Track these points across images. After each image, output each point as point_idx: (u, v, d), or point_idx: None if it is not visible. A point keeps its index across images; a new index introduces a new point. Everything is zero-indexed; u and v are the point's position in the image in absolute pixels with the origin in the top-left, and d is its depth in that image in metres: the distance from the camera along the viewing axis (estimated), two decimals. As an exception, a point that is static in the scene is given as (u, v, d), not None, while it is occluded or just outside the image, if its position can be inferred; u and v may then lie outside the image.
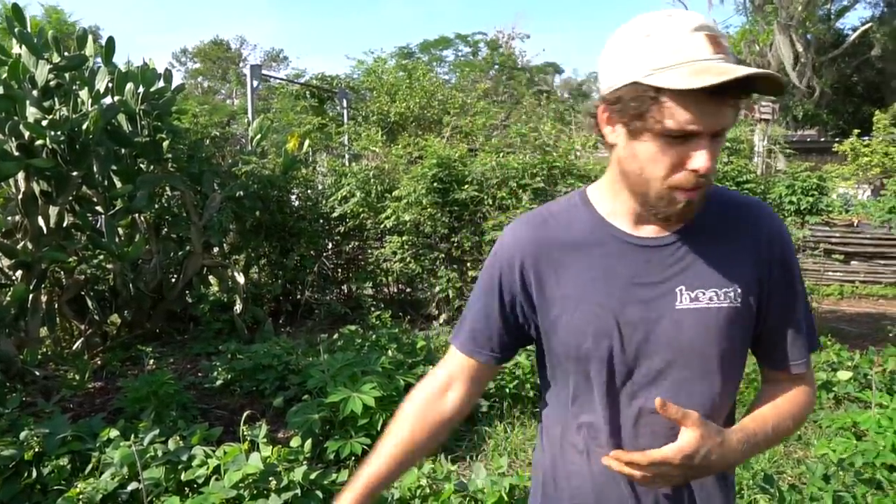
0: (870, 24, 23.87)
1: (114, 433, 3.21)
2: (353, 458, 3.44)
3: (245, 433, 3.17)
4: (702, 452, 1.03)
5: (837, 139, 16.93)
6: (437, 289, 6.38)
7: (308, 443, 3.38)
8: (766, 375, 1.26)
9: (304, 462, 3.08)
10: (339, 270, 7.32)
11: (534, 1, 63.76)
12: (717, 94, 0.94)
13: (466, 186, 6.24)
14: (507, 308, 1.24)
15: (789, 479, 3.27)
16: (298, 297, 6.94)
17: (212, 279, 6.61)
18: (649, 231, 1.15)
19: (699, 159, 0.99)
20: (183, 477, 2.94)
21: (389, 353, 4.42)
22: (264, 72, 11.97)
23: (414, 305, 6.97)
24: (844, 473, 2.99)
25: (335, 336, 5.12)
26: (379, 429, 3.48)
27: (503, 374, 4.44)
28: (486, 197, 6.34)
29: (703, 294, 1.11)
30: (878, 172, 14.64)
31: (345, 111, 11.21)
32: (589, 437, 1.19)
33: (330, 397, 3.53)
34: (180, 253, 6.17)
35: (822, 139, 18.96)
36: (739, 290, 1.12)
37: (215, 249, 6.48)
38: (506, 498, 2.80)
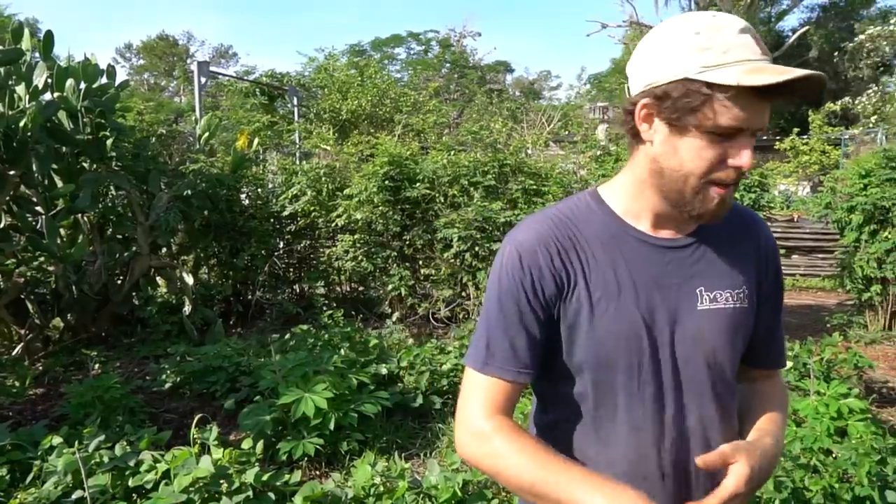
0: (807, 28, 24.76)
1: (57, 440, 3.12)
2: (305, 458, 3.42)
3: (195, 436, 3.12)
4: (756, 469, 1.04)
5: (779, 137, 17.51)
6: (390, 287, 6.38)
7: (260, 444, 3.35)
8: (745, 373, 1.27)
9: (256, 464, 3.05)
10: (291, 270, 7.24)
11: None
12: (766, 94, 0.98)
13: (418, 184, 6.25)
14: (540, 316, 1.14)
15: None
16: (249, 297, 6.84)
17: (159, 280, 6.46)
18: (667, 233, 1.16)
19: (744, 156, 1.02)
20: (131, 483, 2.87)
21: (342, 352, 4.39)
22: (213, 68, 11.72)
23: (366, 304, 6.94)
24: (784, 459, 3.10)
25: (287, 336, 5.07)
26: (332, 428, 3.47)
27: (457, 370, 4.48)
28: (437, 195, 6.36)
29: (721, 295, 1.14)
30: (816, 170, 15.22)
31: (296, 109, 11.07)
32: (618, 456, 1.14)
33: (282, 398, 3.50)
34: (126, 254, 6.00)
35: (765, 137, 19.57)
36: (747, 291, 1.17)
37: (163, 250, 6.34)
38: (459, 493, 2.82)
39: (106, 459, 2.97)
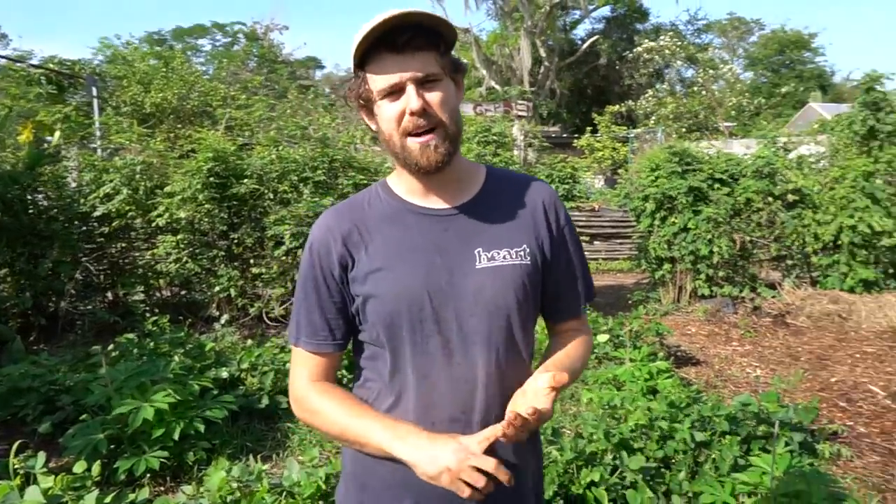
0: (596, 37, 27.29)
1: None
2: (148, 475, 3.19)
3: (16, 466, 2.78)
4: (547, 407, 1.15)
5: (576, 135, 19.17)
6: (218, 288, 6.08)
7: (96, 465, 3.06)
8: (552, 329, 1.46)
9: (94, 487, 2.79)
10: (103, 276, 6.60)
11: (292, -7, 62.43)
12: (396, 51, 1.18)
13: (246, 180, 6.02)
14: (334, 294, 1.31)
15: (569, 431, 3.71)
16: (54, 308, 6.13)
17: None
18: (442, 203, 1.30)
19: (411, 101, 1.18)
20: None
21: (176, 358, 4.13)
22: (-15, 52, 10.26)
23: (192, 308, 6.55)
24: (608, 416, 3.46)
25: (110, 347, 4.65)
26: (176, 438, 3.27)
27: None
28: (266, 191, 6.18)
29: (499, 253, 1.27)
30: (609, 164, 16.90)
31: (95, 100, 10.06)
32: (410, 404, 1.26)
33: (116, 409, 3.23)
34: None
35: (565, 135, 21.34)
36: (527, 249, 1.30)
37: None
38: (323, 487, 2.81)
39: None
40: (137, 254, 6.62)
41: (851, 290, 6.92)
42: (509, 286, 1.26)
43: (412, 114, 1.18)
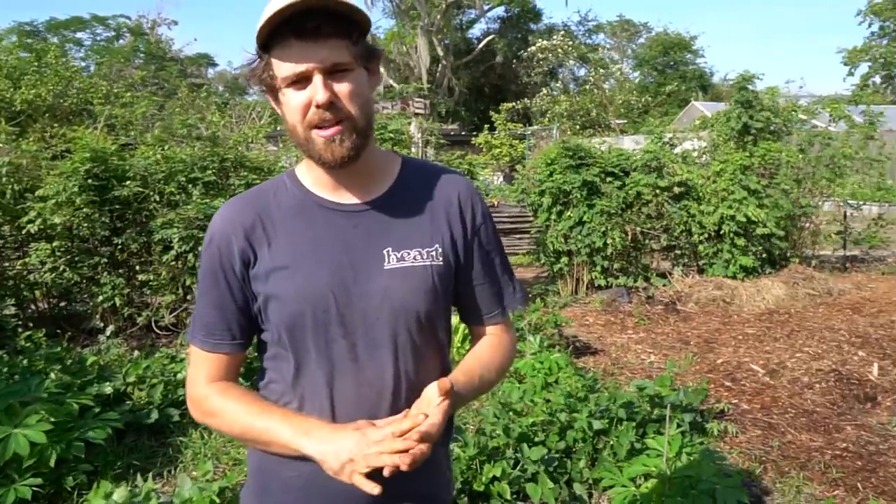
0: (492, 36, 27.81)
1: None
2: (20, 504, 2.91)
3: None
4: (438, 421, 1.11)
5: (474, 133, 19.44)
6: (101, 298, 5.70)
7: (-43, 498, 2.77)
8: (472, 332, 1.40)
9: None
10: (-35, 289, 6.01)
11: (182, -14, 59.64)
12: (304, 37, 1.08)
13: (129, 182, 5.66)
14: (235, 291, 1.23)
15: (473, 426, 3.72)
16: None
17: None
18: (352, 198, 1.22)
19: (318, 93, 1.09)
20: None
21: (52, 375, 3.81)
22: None
23: (73, 320, 6.09)
24: (508, 411, 3.49)
25: (-26, 367, 4.23)
26: (52, 465, 3.00)
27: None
28: (152, 193, 5.84)
29: (409, 254, 1.21)
30: (507, 161, 17.23)
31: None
32: (315, 410, 1.19)
33: (-20, 439, 2.92)
34: None
35: (463, 133, 21.59)
36: (441, 249, 1.23)
37: None
38: (217, 501, 2.67)
39: None
40: (7, 264, 6.08)
41: (734, 277, 7.37)
42: (419, 288, 1.20)
43: (318, 106, 1.10)
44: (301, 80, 1.10)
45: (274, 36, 1.10)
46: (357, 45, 1.13)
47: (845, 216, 8.90)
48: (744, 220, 7.19)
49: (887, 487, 3.28)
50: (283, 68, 1.11)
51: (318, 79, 1.09)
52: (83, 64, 24.10)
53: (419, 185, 1.27)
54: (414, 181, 1.28)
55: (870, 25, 37.46)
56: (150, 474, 3.31)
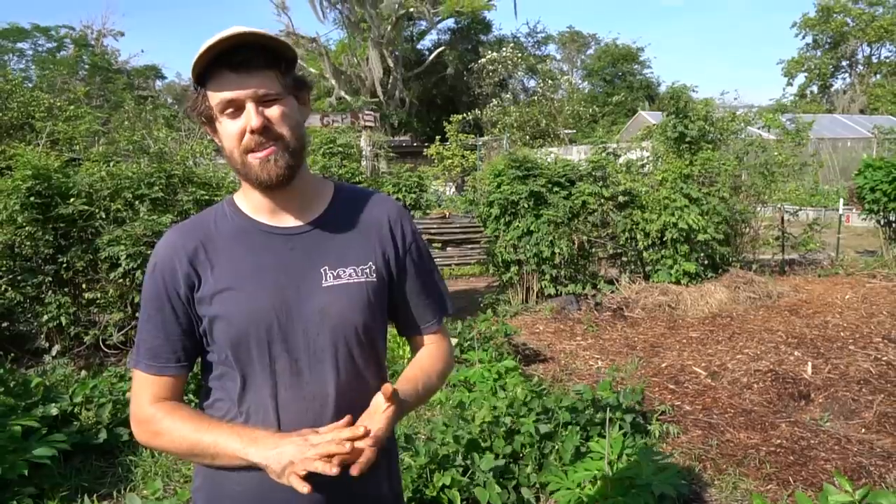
0: (442, 48, 28.03)
1: None
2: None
3: None
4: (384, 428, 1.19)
5: (426, 144, 19.54)
6: (46, 318, 5.57)
7: None
8: (410, 343, 1.50)
9: None
10: None
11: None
12: (236, 69, 1.19)
13: (73, 200, 5.57)
14: (179, 314, 1.28)
15: (423, 435, 3.78)
16: None
17: None
18: (289, 221, 1.31)
19: (252, 119, 1.19)
20: None
21: (-6, 398, 3.74)
22: None
23: (15, 341, 5.93)
24: (458, 419, 3.57)
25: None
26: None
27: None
28: (97, 210, 5.75)
29: (345, 271, 1.30)
30: (458, 172, 17.38)
31: None
32: (260, 422, 1.25)
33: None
34: None
35: (415, 144, 21.69)
36: (374, 266, 1.33)
37: None
38: (167, 520, 2.68)
39: None
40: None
41: (678, 282, 7.62)
42: (355, 304, 1.29)
43: (252, 132, 1.19)
44: (235, 109, 1.20)
45: (209, 69, 1.19)
46: (286, 76, 1.24)
47: (783, 221, 9.27)
48: (686, 227, 7.45)
49: (815, 479, 3.47)
50: (218, 98, 1.20)
51: (250, 106, 1.19)
52: (23, 75, 23.34)
53: (352, 208, 1.37)
54: (347, 204, 1.37)
55: (804, 38, 39.09)
56: (98, 495, 3.28)
